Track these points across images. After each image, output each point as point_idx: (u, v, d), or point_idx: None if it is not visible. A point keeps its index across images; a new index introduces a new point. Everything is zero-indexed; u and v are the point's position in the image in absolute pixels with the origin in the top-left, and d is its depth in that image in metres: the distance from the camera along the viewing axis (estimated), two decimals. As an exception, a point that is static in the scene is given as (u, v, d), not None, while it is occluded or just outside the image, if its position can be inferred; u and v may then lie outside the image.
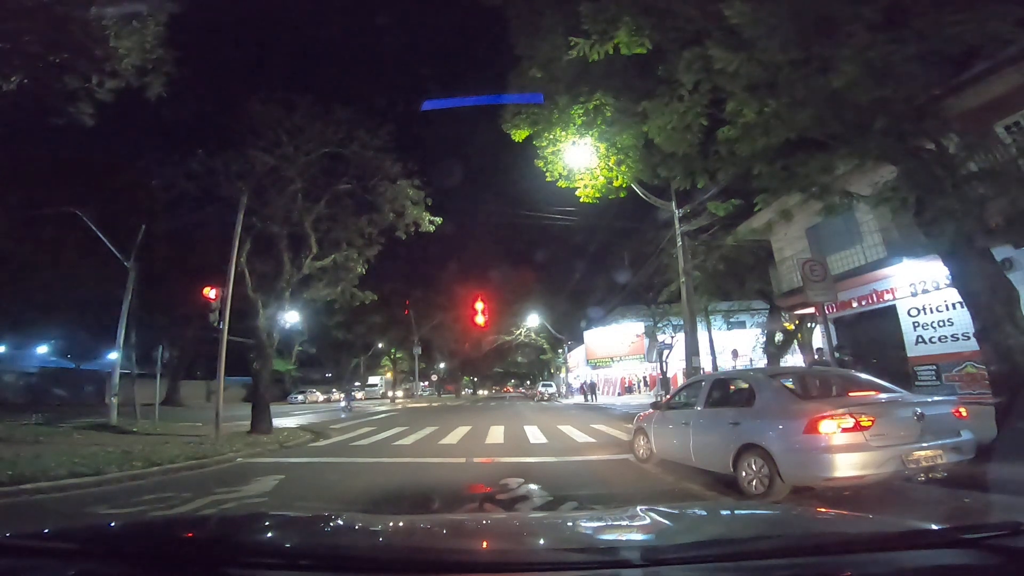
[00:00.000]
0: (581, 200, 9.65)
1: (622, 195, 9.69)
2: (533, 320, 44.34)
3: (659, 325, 26.69)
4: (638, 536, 1.90)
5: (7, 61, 7.15)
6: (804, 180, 6.80)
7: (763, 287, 18.20)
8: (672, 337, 25.20)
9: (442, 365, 59.44)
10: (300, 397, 41.08)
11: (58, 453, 7.54)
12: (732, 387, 6.33)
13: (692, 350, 12.54)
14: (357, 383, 47.22)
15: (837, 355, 9.49)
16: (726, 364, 25.99)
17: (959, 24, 4.78)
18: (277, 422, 13.97)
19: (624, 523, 2.08)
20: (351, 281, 14.52)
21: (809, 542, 1.51)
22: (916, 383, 10.77)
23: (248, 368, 15.44)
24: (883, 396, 5.09)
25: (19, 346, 32.62)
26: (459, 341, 50.67)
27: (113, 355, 16.28)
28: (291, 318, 18.96)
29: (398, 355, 45.69)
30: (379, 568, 1.36)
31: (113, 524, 2.78)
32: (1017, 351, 5.68)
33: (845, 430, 4.30)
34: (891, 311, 11.71)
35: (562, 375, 52.12)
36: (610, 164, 8.88)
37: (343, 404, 23.93)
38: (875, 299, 12.10)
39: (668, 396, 8.44)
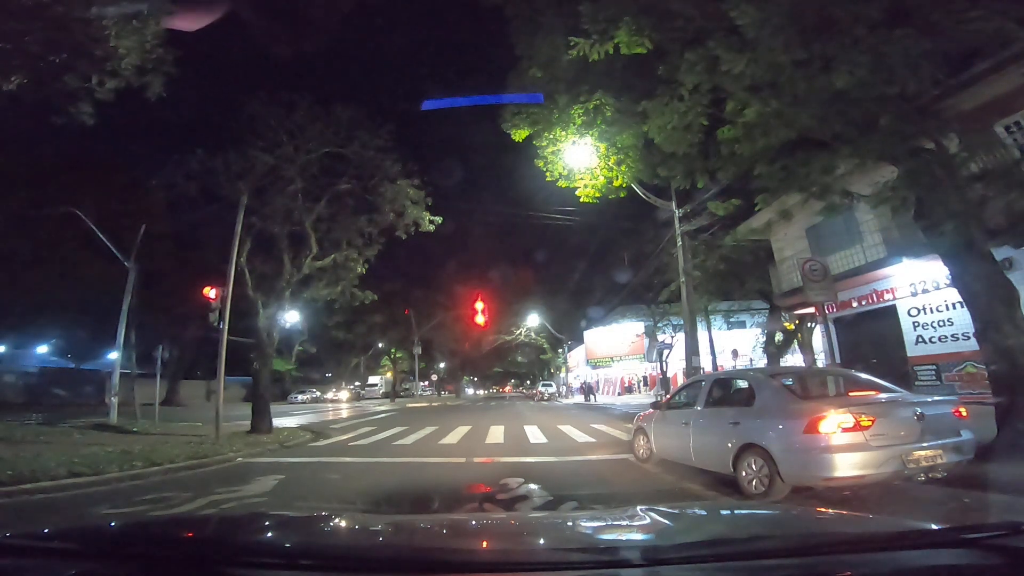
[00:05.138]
0: (581, 200, 9.64)
1: (622, 195, 9.69)
2: (533, 320, 44.33)
3: (659, 325, 26.69)
4: (638, 536, 1.91)
5: (7, 61, 7.13)
6: (804, 180, 6.79)
7: (763, 287, 18.20)
8: (672, 337, 25.20)
9: (442, 365, 59.46)
10: (300, 397, 41.12)
11: (58, 453, 7.54)
12: (732, 387, 6.33)
13: (692, 350, 12.54)
14: (310, 390, 44.47)
15: None
16: (726, 364, 26.00)
17: (964, 21, 4.78)
18: (277, 422, 13.97)
19: (624, 523, 2.08)
20: (351, 281, 14.50)
21: (809, 542, 1.51)
22: (916, 383, 10.76)
23: (248, 368, 15.44)
24: (883, 396, 5.09)
25: (19, 346, 32.63)
26: (459, 341, 50.68)
27: (113, 355, 16.30)
28: (291, 318, 18.96)
29: (398, 355, 45.69)
30: (379, 568, 1.36)
31: (113, 524, 2.79)
32: (1017, 351, 5.68)
33: (845, 430, 4.30)
34: (891, 311, 11.70)
35: (562, 375, 52.12)
36: (610, 164, 8.88)
37: None
38: (875, 299, 12.10)
39: (668, 396, 8.44)
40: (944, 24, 4.91)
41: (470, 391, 71.89)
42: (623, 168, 8.79)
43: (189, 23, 8.01)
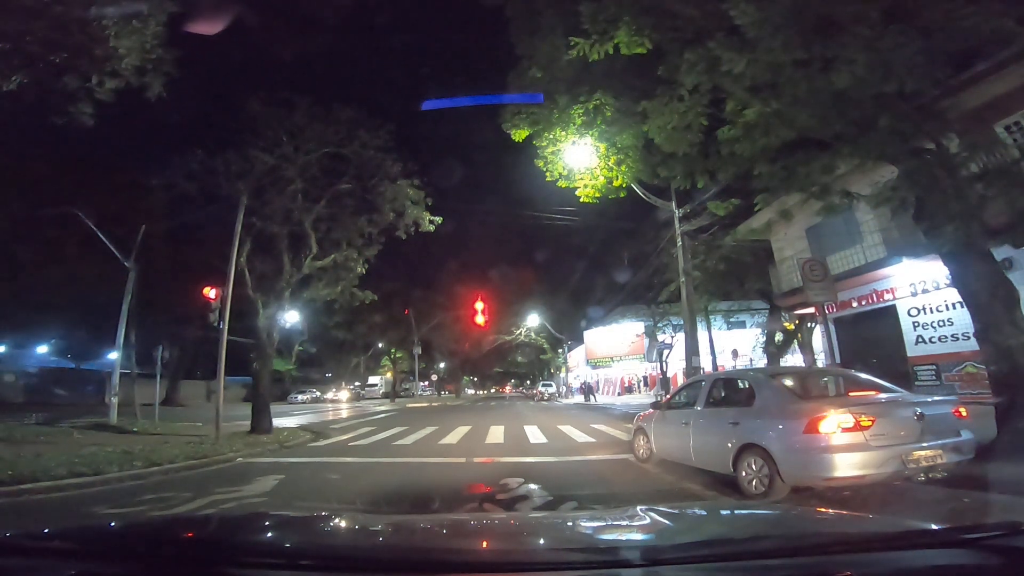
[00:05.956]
0: (581, 200, 9.63)
1: (622, 195, 9.68)
2: (533, 320, 44.37)
3: (659, 325, 26.69)
4: (638, 536, 1.91)
5: (7, 61, 7.14)
6: (804, 180, 6.80)
7: (763, 287, 18.19)
8: (672, 337, 25.20)
9: (442, 365, 59.45)
10: (300, 397, 41.12)
11: (58, 453, 7.53)
12: (732, 387, 6.33)
13: (692, 350, 12.55)
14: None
15: None
16: (726, 364, 25.99)
17: (960, 18, 4.77)
18: (277, 422, 13.97)
19: (624, 523, 2.08)
20: (351, 281, 14.50)
21: (809, 542, 1.51)
22: (916, 383, 10.77)
23: (248, 368, 15.44)
24: (883, 396, 5.09)
25: (19, 346, 32.63)
26: (459, 341, 50.66)
27: (113, 355, 16.29)
28: (291, 318, 18.95)
29: (398, 355, 45.68)
30: (379, 568, 1.37)
31: (113, 524, 2.79)
32: (1017, 351, 5.68)
33: (845, 430, 4.30)
34: (891, 311, 11.70)
35: (562, 375, 52.14)
36: (610, 164, 8.87)
37: None
38: (875, 299, 12.10)
39: (668, 396, 8.44)
40: (940, 22, 4.91)
41: (470, 391, 71.93)
42: (623, 168, 8.78)
43: (203, 27, 8.01)
